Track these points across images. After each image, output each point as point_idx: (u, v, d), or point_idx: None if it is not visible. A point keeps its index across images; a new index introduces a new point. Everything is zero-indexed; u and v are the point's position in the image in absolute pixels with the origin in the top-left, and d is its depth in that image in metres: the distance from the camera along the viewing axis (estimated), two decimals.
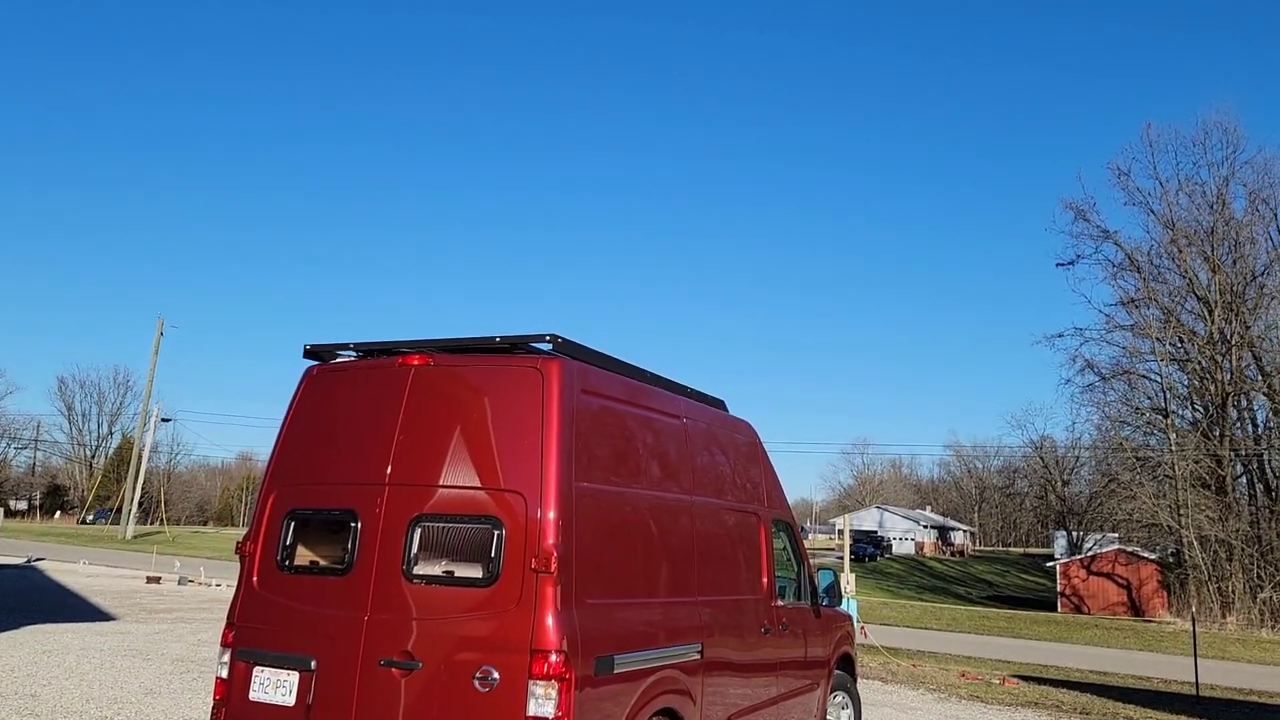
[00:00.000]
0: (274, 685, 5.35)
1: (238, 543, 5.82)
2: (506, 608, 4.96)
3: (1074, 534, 79.17)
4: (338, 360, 6.09)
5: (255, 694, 5.40)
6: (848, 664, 9.19)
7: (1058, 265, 48.78)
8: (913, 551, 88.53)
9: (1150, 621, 36.14)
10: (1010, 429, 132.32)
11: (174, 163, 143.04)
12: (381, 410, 5.60)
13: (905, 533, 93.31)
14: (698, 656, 6.17)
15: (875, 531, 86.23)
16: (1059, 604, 46.14)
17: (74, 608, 20.09)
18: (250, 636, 5.55)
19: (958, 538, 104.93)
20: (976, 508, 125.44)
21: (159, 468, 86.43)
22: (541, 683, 4.79)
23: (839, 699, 8.88)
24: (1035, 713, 12.87)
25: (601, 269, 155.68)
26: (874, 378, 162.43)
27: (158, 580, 28.92)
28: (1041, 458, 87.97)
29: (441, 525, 5.34)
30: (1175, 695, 15.68)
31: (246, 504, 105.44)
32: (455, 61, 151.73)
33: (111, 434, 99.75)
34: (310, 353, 6.09)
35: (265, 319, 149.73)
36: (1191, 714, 13.35)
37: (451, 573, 5.28)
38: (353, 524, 5.40)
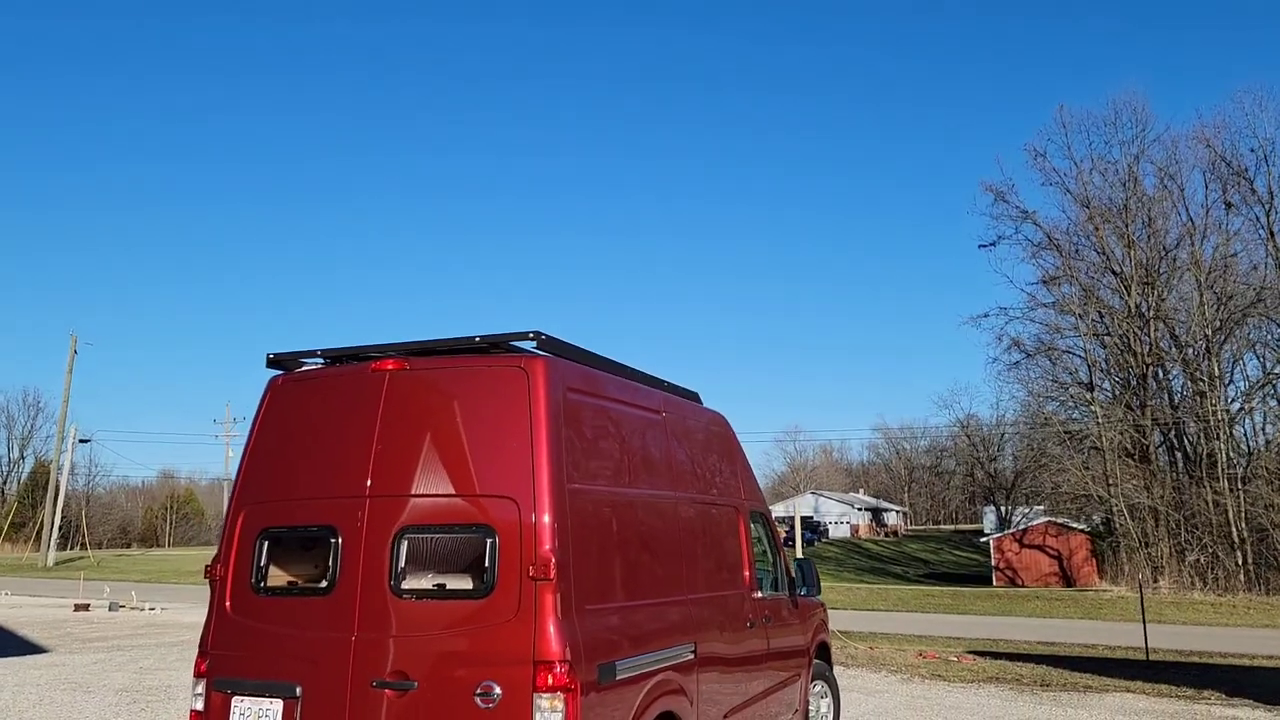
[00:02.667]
0: (256, 715, 5.05)
1: (206, 566, 5.49)
2: (505, 619, 4.74)
3: (1003, 509, 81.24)
4: (304, 369, 5.78)
5: None
6: (824, 652, 9.16)
7: (980, 247, 49.95)
8: (848, 534, 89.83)
9: (1086, 590, 37.18)
10: (937, 410, 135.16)
11: (83, 176, 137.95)
12: (355, 419, 5.32)
13: (840, 516, 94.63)
14: (692, 656, 6.03)
15: (811, 516, 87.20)
16: (994, 578, 47.20)
17: (0, 642, 19.14)
18: (226, 665, 5.23)
19: (891, 518, 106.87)
20: (906, 488, 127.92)
21: (77, 490, 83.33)
22: (547, 695, 4.59)
23: (818, 688, 8.83)
24: (999, 687, 13.04)
25: (526, 264, 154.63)
26: (803, 366, 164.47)
27: (86, 607, 27.74)
28: (968, 436, 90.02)
29: (429, 536, 5.10)
30: (1126, 661, 16.07)
31: (171, 523, 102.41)
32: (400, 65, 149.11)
33: (24, 458, 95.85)
34: (274, 361, 5.77)
35: (182, 333, 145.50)
36: (1145, 678, 13.67)
37: (443, 585, 5.03)
38: (333, 540, 5.11)
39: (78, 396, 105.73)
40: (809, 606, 8.76)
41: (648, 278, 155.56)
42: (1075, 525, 45.97)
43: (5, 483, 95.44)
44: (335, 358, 5.70)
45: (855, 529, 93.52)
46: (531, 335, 5.20)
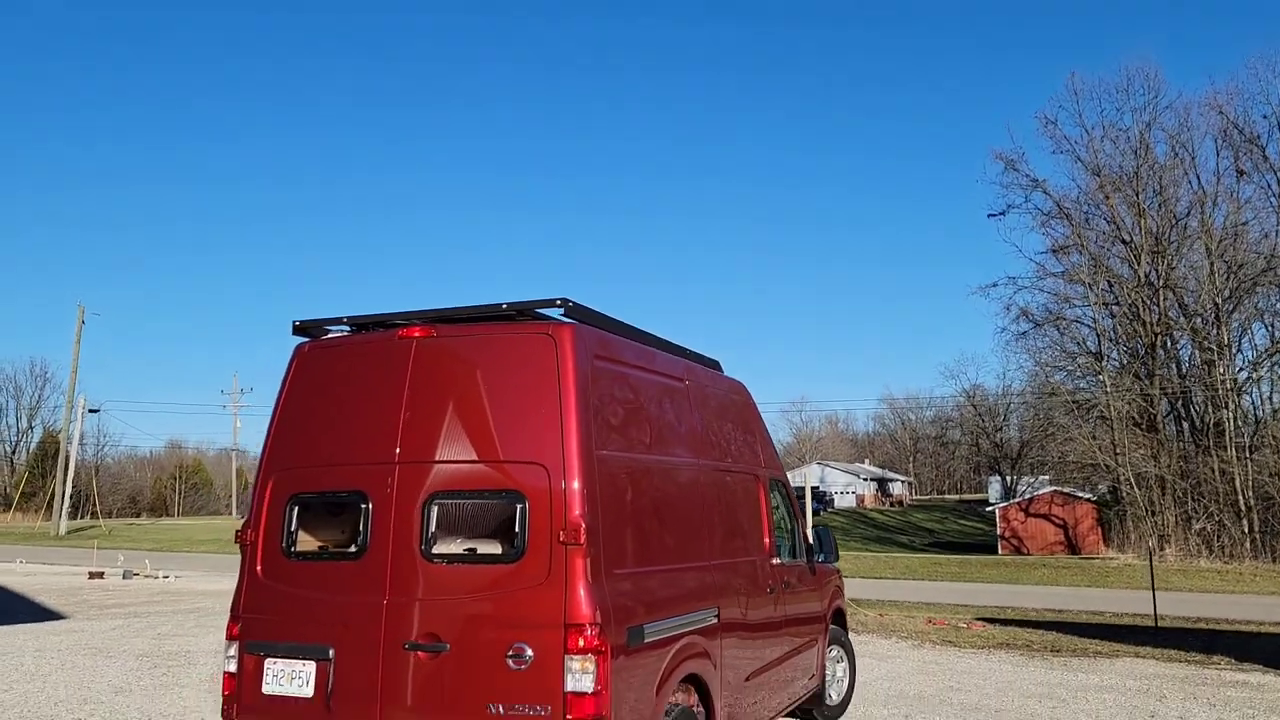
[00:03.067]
0: (289, 677, 5.13)
1: (236, 531, 5.56)
2: (535, 583, 4.80)
3: (1008, 479, 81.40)
4: (329, 336, 5.81)
5: (269, 687, 5.18)
6: (840, 618, 9.24)
7: (989, 216, 49.62)
8: (854, 504, 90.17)
9: (1092, 558, 37.31)
10: (944, 380, 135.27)
11: (87, 149, 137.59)
12: (383, 386, 5.35)
13: (846, 486, 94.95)
14: (715, 620, 6.10)
15: (818, 487, 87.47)
16: (999, 546, 47.38)
17: (18, 608, 19.35)
18: (258, 628, 5.31)
19: (896, 488, 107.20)
20: (911, 458, 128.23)
21: (87, 460, 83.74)
22: (578, 657, 4.66)
23: (835, 653, 8.93)
24: (1009, 653, 13.15)
25: (538, 232, 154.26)
26: (810, 338, 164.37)
27: (100, 575, 28.01)
28: (974, 406, 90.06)
29: (459, 502, 5.15)
30: (1135, 628, 16.17)
31: (180, 493, 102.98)
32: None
33: (32, 428, 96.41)
34: (300, 329, 5.80)
35: (189, 304, 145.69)
36: (1154, 644, 13.77)
37: (473, 550, 5.09)
38: (363, 505, 5.17)
39: (85, 367, 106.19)
40: (825, 573, 8.84)
41: (653, 252, 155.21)
42: (1081, 494, 46.05)
43: (14, 452, 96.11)
44: (361, 325, 5.73)
45: (860, 499, 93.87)
46: (559, 302, 5.21)
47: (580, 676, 4.65)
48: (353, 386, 5.48)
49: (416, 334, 5.39)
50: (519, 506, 4.90)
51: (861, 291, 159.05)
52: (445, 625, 4.87)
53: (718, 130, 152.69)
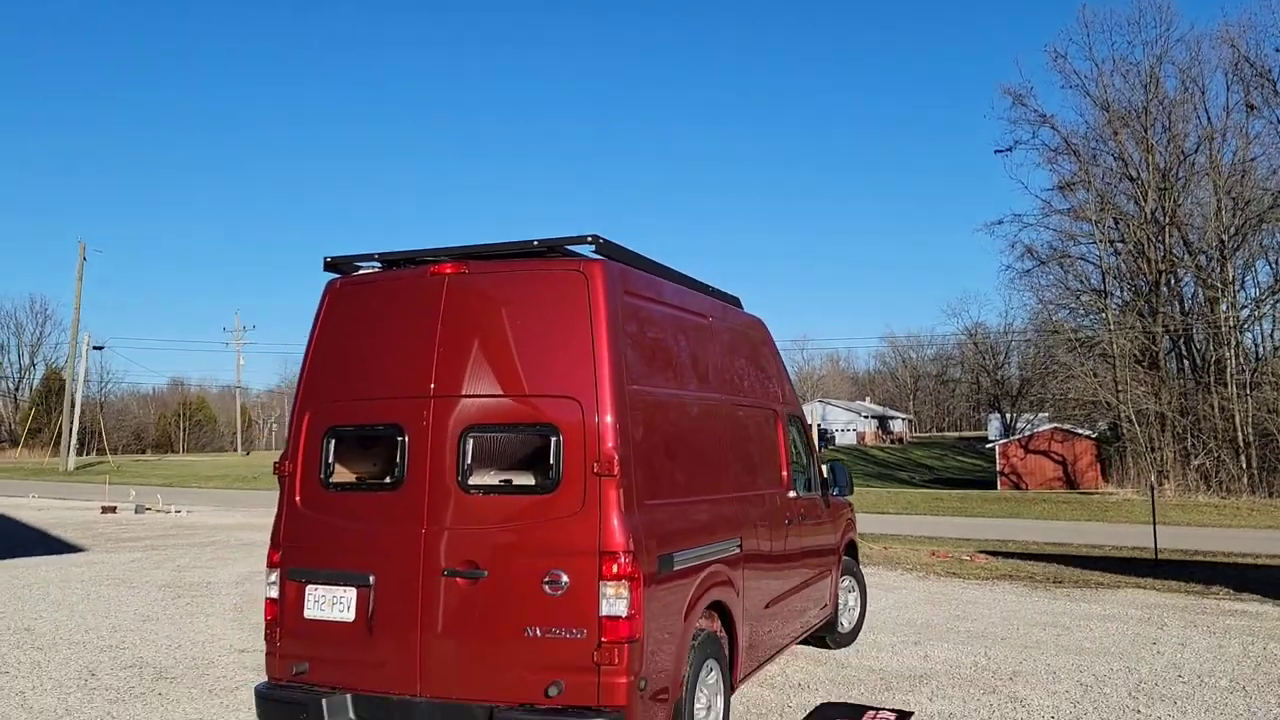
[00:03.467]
0: (330, 602, 5.30)
1: (275, 463, 5.69)
2: (570, 513, 4.94)
3: (1008, 416, 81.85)
4: (360, 272, 5.88)
5: (310, 612, 5.35)
6: (853, 550, 9.46)
7: (996, 152, 49.44)
8: (855, 442, 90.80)
9: (1092, 493, 37.79)
10: (945, 318, 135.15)
11: (89, 86, 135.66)
12: (417, 322, 5.44)
13: (847, 424, 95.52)
14: (738, 550, 6.27)
15: (819, 424, 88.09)
16: (999, 483, 47.89)
17: (36, 541, 19.70)
18: (299, 556, 5.47)
19: (896, 426, 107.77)
20: (912, 396, 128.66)
21: (91, 396, 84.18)
22: (612, 583, 4.82)
23: (847, 583, 9.16)
24: (1012, 584, 13.44)
25: (542, 171, 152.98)
26: (812, 275, 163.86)
27: (113, 510, 28.41)
28: (975, 344, 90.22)
29: (494, 435, 5.27)
30: (1135, 560, 16.49)
31: (185, 430, 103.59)
32: None
33: (34, 365, 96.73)
34: (331, 265, 5.86)
35: (189, 240, 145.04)
36: (1155, 575, 14.07)
37: (509, 481, 5.23)
38: (399, 438, 5.29)
39: (86, 305, 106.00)
40: (839, 506, 9.03)
41: (655, 192, 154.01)
42: (1080, 432, 46.43)
43: (17, 389, 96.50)
44: (391, 261, 5.79)
45: (861, 436, 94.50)
46: (590, 239, 5.27)
47: (614, 601, 4.82)
48: (385, 322, 5.57)
49: (448, 270, 5.45)
50: (553, 439, 5.02)
51: (864, 230, 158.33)
52: (482, 553, 5.03)
53: (722, 70, 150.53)
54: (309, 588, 5.37)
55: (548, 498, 5.02)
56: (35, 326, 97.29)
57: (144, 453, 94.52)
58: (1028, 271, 47.92)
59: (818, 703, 7.21)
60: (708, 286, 6.96)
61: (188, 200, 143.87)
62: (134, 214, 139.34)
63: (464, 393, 5.24)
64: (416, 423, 5.26)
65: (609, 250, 5.41)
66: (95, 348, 64.23)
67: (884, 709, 7.02)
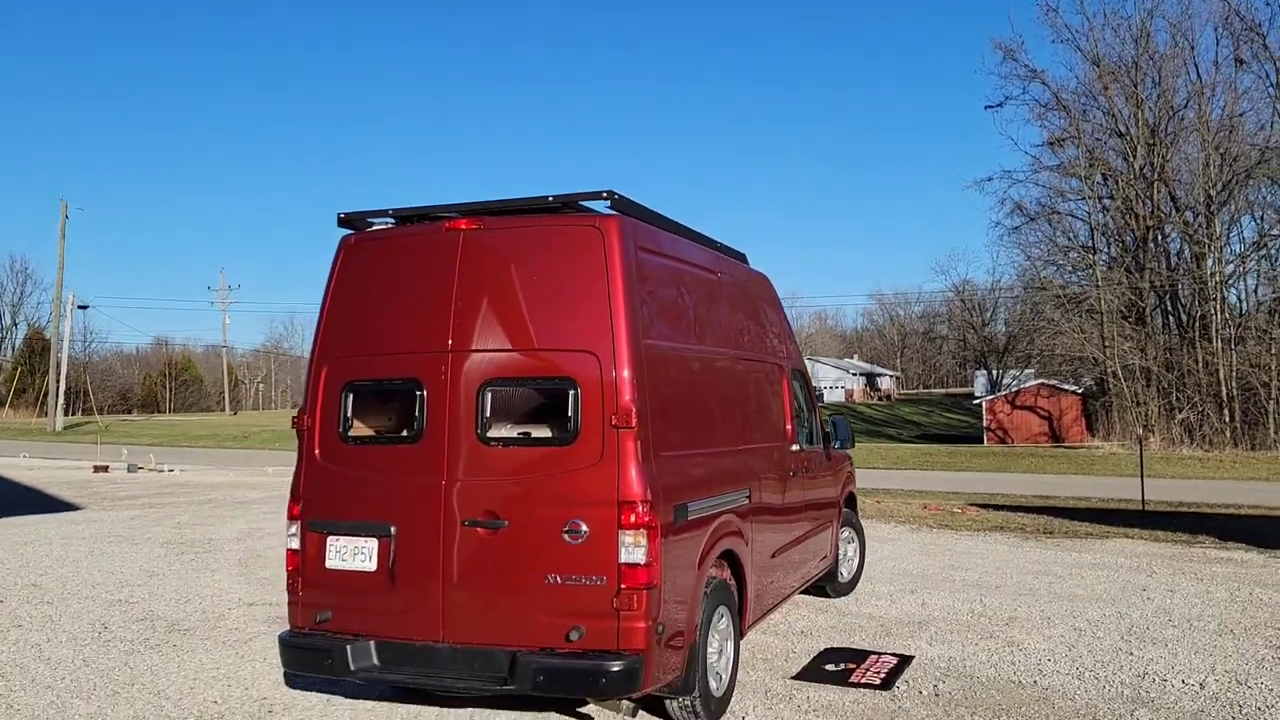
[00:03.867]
0: (352, 552, 5.42)
1: (293, 417, 5.77)
2: (589, 464, 5.05)
3: (994, 372, 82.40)
4: (374, 228, 5.92)
5: (332, 562, 5.47)
6: (852, 502, 9.64)
7: (986, 108, 49.48)
8: (843, 399, 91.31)
9: (1078, 447, 38.28)
10: (933, 276, 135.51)
11: (71, 40, 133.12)
12: (432, 277, 5.50)
13: (835, 381, 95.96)
14: (746, 502, 6.41)
15: None
16: (985, 438, 48.40)
17: (33, 500, 19.77)
18: (319, 508, 5.57)
19: (884, 383, 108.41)
20: (899, 353, 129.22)
21: (76, 356, 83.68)
22: (631, 532, 4.94)
23: (846, 534, 9.34)
24: (1004, 535, 13.69)
25: (528, 130, 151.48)
26: (801, 234, 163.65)
27: (105, 469, 28.47)
28: (963, 300, 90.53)
29: (512, 389, 5.37)
30: (1123, 512, 16.79)
31: (171, 390, 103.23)
32: None
33: (15, 325, 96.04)
34: (345, 221, 5.90)
35: (173, 198, 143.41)
36: (1142, 526, 14.35)
37: (527, 434, 5.33)
38: (418, 392, 5.37)
39: (68, 263, 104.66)
40: (839, 459, 9.18)
41: (643, 150, 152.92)
42: (1066, 387, 46.89)
43: (0, 350, 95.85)
44: (405, 217, 5.83)
45: (849, 394, 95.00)
46: (605, 194, 5.33)
47: (633, 549, 4.94)
48: (401, 278, 5.63)
49: (463, 226, 5.50)
50: (571, 392, 5.12)
51: (854, 189, 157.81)
52: (502, 504, 5.14)
53: (712, 28, 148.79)
54: (330, 539, 5.48)
55: (566, 449, 5.12)
56: (16, 286, 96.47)
57: (130, 413, 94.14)
58: (1017, 228, 48.05)
59: (821, 648, 7.40)
60: (715, 242, 7.02)
61: (171, 158, 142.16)
62: (116, 172, 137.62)
63: (481, 347, 5.32)
64: (435, 377, 5.34)
65: (623, 206, 5.46)
66: (80, 307, 63.81)
67: (885, 653, 7.22)
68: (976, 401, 56.47)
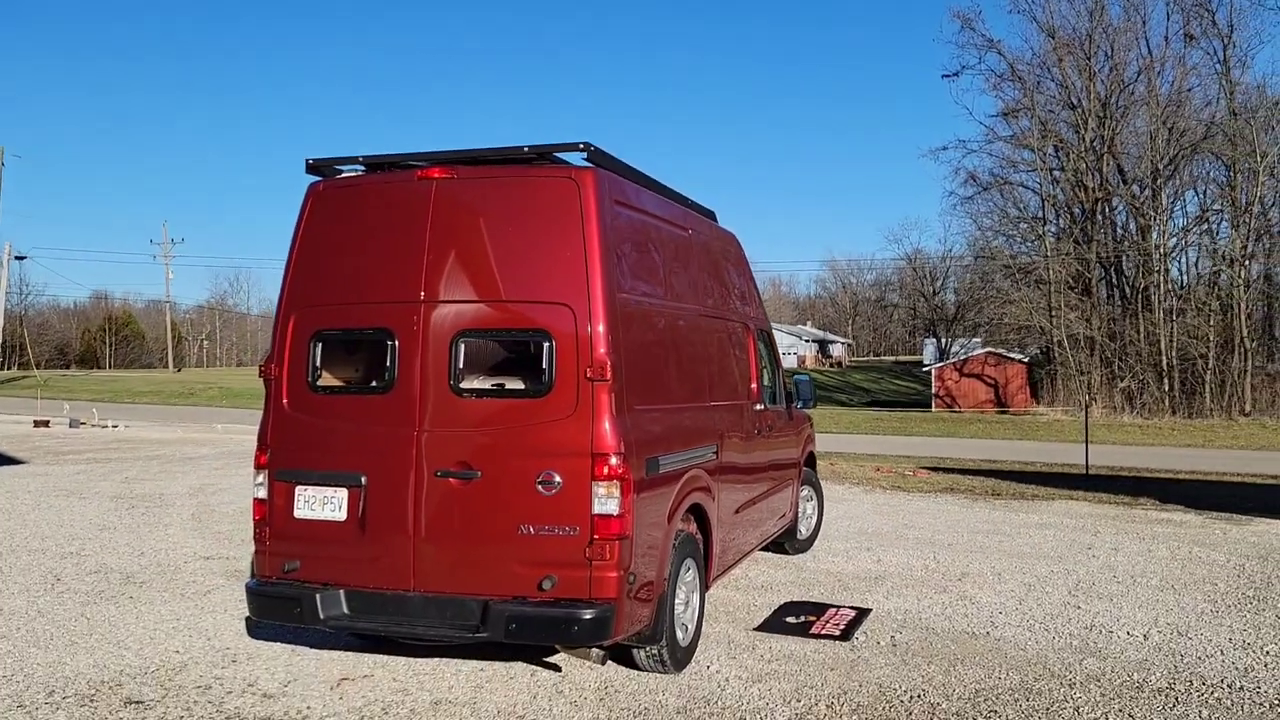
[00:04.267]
0: (321, 502, 5.39)
1: (260, 366, 5.70)
2: (562, 416, 5.06)
3: (943, 340, 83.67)
4: (344, 175, 5.83)
5: (301, 512, 5.44)
6: (811, 461, 9.77)
7: (943, 77, 50.16)
8: (796, 365, 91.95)
9: (1023, 414, 39.13)
10: (886, 244, 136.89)
11: None
12: (404, 227, 5.44)
13: (789, 348, 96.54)
14: (714, 458, 6.48)
15: None
16: (933, 404, 49.23)
17: None
18: (287, 457, 5.52)
19: (836, 350, 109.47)
20: (851, 321, 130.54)
21: (13, 309, 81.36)
22: (604, 483, 4.98)
23: (805, 492, 9.48)
24: (954, 497, 14.00)
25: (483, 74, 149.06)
26: (754, 201, 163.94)
27: (46, 424, 27.88)
28: (915, 269, 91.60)
29: (485, 340, 5.36)
30: (1067, 475, 17.24)
31: (111, 345, 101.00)
32: None
33: None
34: (313, 167, 5.80)
35: (113, 148, 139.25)
36: (1085, 489, 14.76)
37: (501, 385, 5.33)
38: (390, 342, 5.34)
39: (4, 212, 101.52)
40: (800, 419, 9.30)
41: (596, 117, 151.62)
42: (1012, 355, 47.81)
43: None
44: (375, 165, 5.75)
45: (802, 360, 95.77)
46: (581, 146, 5.29)
47: (606, 500, 4.99)
48: (371, 227, 5.56)
49: (436, 175, 5.44)
50: (546, 345, 5.12)
51: (808, 156, 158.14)
52: (475, 455, 5.14)
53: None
54: (299, 488, 5.45)
55: (540, 401, 5.13)
56: None
57: (68, 368, 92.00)
58: (970, 198, 48.67)
59: (780, 602, 7.54)
60: (685, 199, 7.03)
61: (111, 105, 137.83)
62: (54, 119, 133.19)
63: (454, 298, 5.29)
64: (407, 327, 5.30)
65: (599, 158, 5.44)
66: (17, 258, 61.73)
67: (844, 606, 7.38)
68: (926, 369, 57.34)
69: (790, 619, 7.07)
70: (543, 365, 5.14)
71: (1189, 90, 43.24)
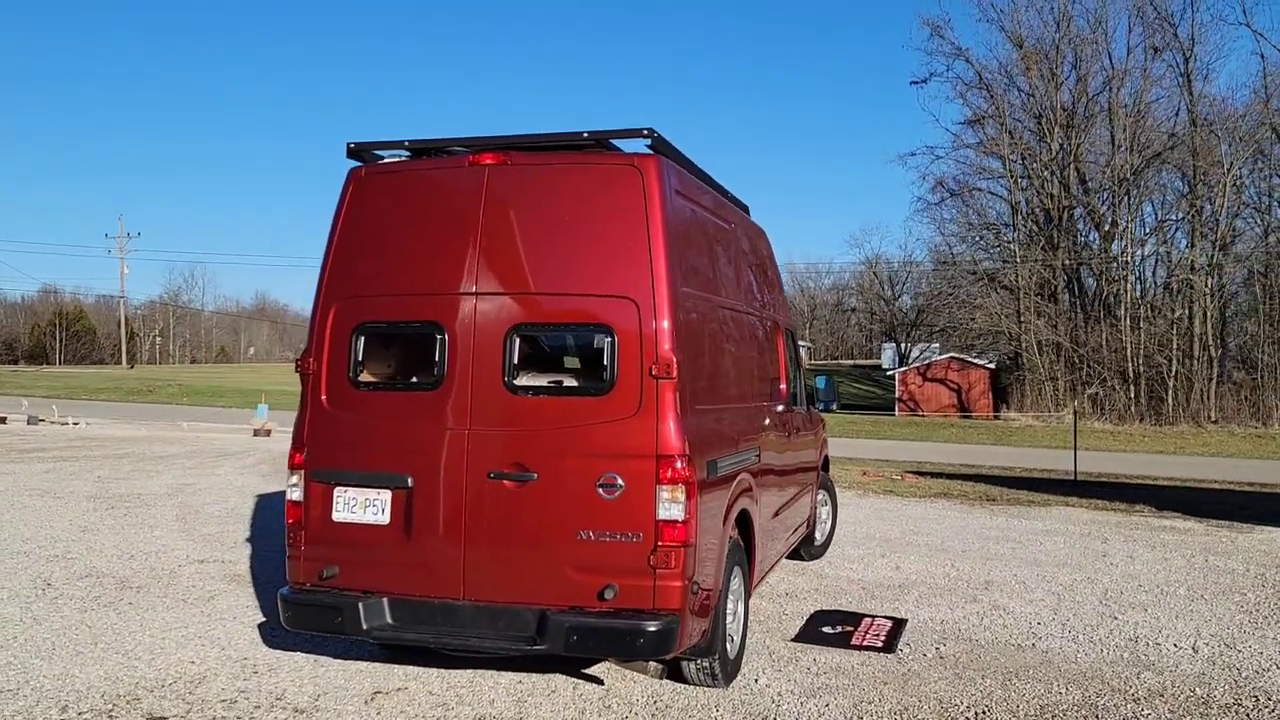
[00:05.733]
0: (363, 505, 5.09)
1: (297, 360, 5.37)
2: (625, 415, 4.81)
3: (903, 345, 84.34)
4: (387, 161, 5.52)
5: (340, 514, 5.13)
6: (826, 464, 9.59)
7: (912, 83, 50.40)
8: None
9: (995, 419, 39.47)
10: (847, 248, 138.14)
11: None
12: (454, 215, 5.15)
13: None
14: (756, 460, 6.26)
15: None
16: (897, 408, 49.52)
17: None
18: (325, 457, 5.20)
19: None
20: (809, 324, 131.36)
21: None
22: (668, 487, 4.73)
23: (821, 496, 9.30)
24: (950, 502, 13.92)
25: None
26: None
27: (3, 420, 26.94)
28: (875, 274, 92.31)
29: (543, 334, 5.09)
30: (1054, 481, 17.28)
31: (62, 341, 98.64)
32: None
33: None
34: (354, 152, 5.48)
35: (66, 139, 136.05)
36: (1077, 494, 14.76)
37: (559, 383, 5.06)
38: (438, 336, 5.04)
39: None
40: (816, 421, 9.11)
41: (561, 115, 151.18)
42: (976, 361, 48.26)
43: None
44: (420, 150, 5.45)
45: None
46: (646, 132, 5.03)
47: (670, 505, 4.73)
48: (418, 215, 5.26)
49: (488, 161, 5.16)
50: (608, 340, 4.86)
51: (769, 159, 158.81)
52: (532, 456, 4.86)
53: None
54: (338, 490, 5.14)
55: (601, 399, 4.87)
56: None
57: (16, 363, 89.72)
58: (938, 203, 49.06)
59: (810, 611, 7.33)
60: (725, 190, 6.79)
61: (65, 94, 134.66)
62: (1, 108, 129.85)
63: (509, 290, 5.01)
64: (458, 320, 5.02)
65: (662, 146, 5.18)
66: None
67: (879, 616, 7.19)
68: (889, 373, 57.70)
69: (827, 629, 6.86)
70: (603, 362, 4.88)
71: (1154, 101, 43.97)
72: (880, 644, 6.49)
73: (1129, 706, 5.38)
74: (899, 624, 6.99)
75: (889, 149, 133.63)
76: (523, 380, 5.00)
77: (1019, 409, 39.32)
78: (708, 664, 5.36)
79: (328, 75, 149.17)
